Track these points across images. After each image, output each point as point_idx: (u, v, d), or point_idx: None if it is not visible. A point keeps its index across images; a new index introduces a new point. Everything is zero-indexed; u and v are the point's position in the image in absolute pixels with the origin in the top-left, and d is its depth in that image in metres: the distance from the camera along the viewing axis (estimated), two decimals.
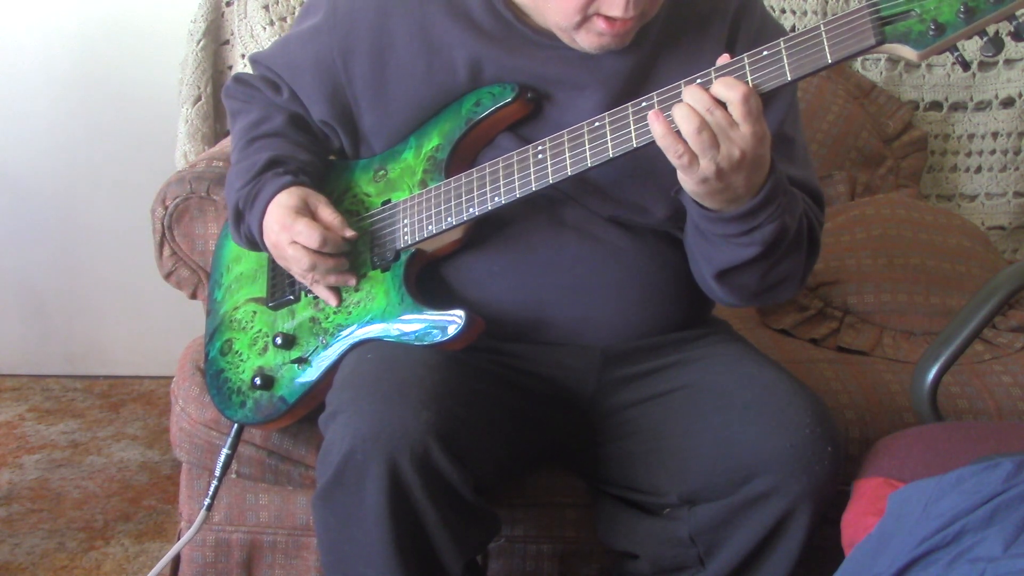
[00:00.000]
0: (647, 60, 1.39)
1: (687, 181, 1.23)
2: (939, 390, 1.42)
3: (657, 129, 1.20)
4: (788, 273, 1.36)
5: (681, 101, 1.20)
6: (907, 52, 1.13)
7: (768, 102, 1.38)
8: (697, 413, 1.38)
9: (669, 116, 1.20)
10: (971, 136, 2.31)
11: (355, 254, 1.44)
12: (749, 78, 1.18)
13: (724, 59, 1.21)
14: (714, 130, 1.18)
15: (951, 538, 1.04)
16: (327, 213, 1.41)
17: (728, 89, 1.17)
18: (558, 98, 1.40)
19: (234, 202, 1.46)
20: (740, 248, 1.29)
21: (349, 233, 1.41)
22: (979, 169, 2.32)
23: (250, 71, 1.60)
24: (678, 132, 1.19)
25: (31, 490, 2.25)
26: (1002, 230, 2.32)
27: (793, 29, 2.19)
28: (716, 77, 1.19)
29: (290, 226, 1.38)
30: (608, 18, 1.29)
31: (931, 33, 1.11)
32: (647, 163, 1.34)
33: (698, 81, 1.21)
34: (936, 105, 2.31)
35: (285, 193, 1.41)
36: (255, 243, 1.47)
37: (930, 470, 1.19)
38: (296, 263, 1.41)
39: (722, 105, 1.18)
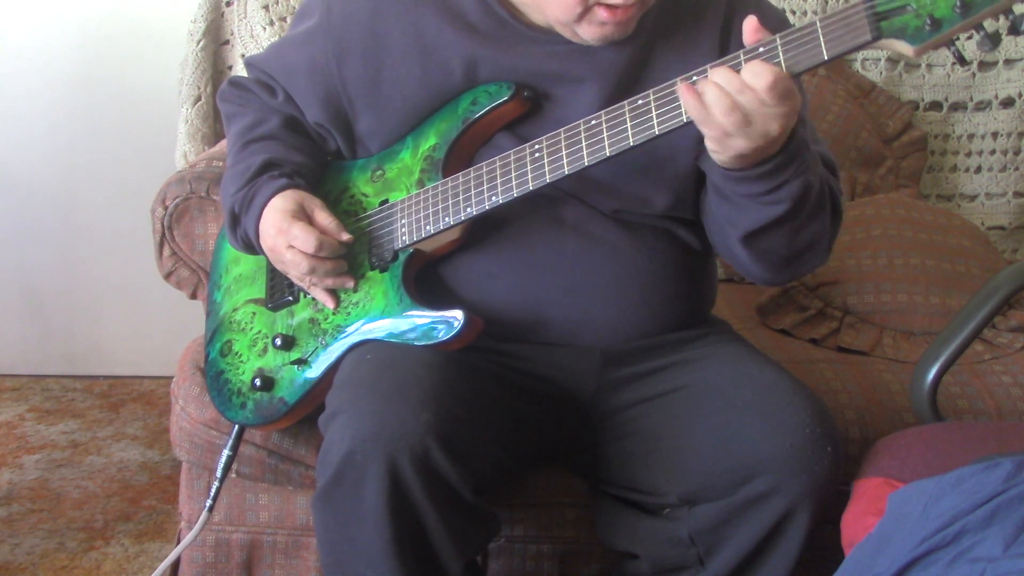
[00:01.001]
0: (643, 51, 1.39)
1: (720, 154, 1.22)
2: (939, 390, 1.42)
3: (689, 101, 1.18)
4: (815, 237, 1.34)
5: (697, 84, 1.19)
6: (903, 47, 1.13)
7: None
8: (697, 413, 1.38)
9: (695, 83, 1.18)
10: (971, 136, 2.30)
11: (353, 255, 1.44)
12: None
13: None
14: (747, 110, 1.17)
15: (951, 538, 1.04)
16: (323, 217, 1.41)
17: (755, 77, 1.16)
18: (555, 94, 1.40)
19: (230, 206, 1.45)
20: (767, 207, 1.28)
21: (345, 237, 1.41)
22: (979, 169, 2.31)
23: (245, 74, 1.60)
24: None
25: (31, 490, 2.25)
26: (1002, 230, 2.31)
27: None
28: (745, 60, 1.18)
29: (286, 230, 1.38)
30: (609, 7, 1.29)
31: (927, 28, 1.11)
32: (645, 154, 1.34)
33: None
34: (936, 105, 2.31)
35: (280, 197, 1.41)
36: (252, 247, 1.46)
37: (930, 470, 1.19)
38: (293, 267, 1.41)
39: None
